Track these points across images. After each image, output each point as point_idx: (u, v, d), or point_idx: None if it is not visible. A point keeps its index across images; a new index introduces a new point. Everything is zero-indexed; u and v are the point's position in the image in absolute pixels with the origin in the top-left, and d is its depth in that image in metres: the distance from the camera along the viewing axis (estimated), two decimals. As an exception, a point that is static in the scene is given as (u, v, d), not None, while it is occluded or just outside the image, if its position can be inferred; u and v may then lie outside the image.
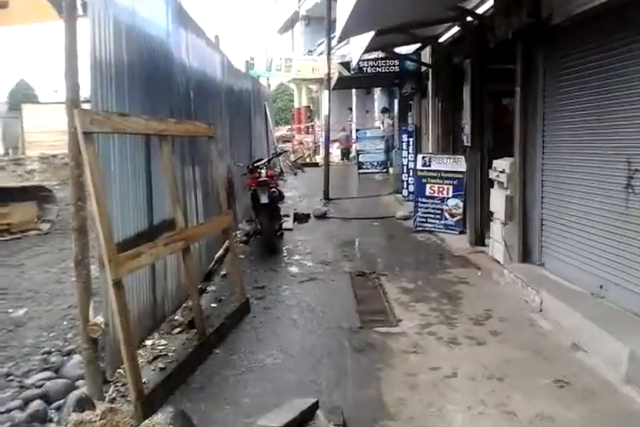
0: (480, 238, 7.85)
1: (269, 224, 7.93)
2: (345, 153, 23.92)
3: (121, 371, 3.76)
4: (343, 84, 15.11)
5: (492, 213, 7.06)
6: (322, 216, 10.75)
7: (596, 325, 4.26)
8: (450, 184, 9.11)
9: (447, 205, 9.06)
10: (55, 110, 16.00)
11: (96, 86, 3.68)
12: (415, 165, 10.38)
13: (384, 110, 17.63)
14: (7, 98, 31.57)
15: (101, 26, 3.76)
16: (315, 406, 3.32)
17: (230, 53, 9.61)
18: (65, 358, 4.19)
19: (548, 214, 5.85)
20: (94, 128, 3.28)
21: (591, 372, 3.87)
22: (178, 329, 4.84)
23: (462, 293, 5.79)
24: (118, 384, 3.72)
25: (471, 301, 5.52)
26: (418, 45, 10.72)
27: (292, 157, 20.01)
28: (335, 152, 22.67)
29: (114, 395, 3.61)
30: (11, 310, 5.43)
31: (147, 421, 3.03)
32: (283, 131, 28.33)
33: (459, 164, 9.02)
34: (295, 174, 18.74)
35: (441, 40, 9.29)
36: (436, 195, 9.22)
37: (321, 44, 28.39)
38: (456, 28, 8.49)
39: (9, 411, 3.41)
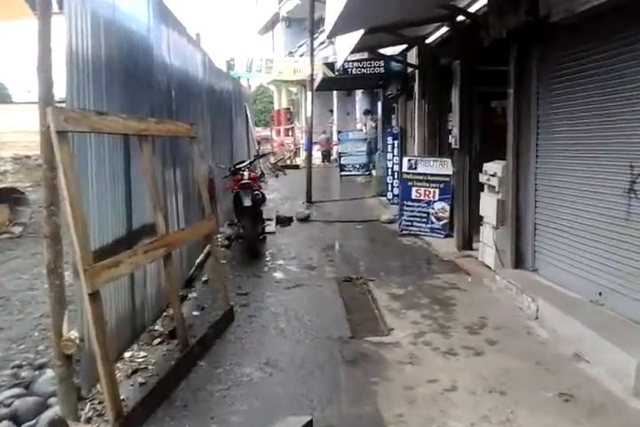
0: (468, 242, 7.70)
1: (252, 228, 7.69)
2: (326, 155, 23.75)
3: (98, 387, 3.49)
4: (326, 85, 14.93)
5: (481, 218, 6.91)
6: (305, 219, 10.52)
7: (598, 334, 4.09)
8: (436, 187, 8.95)
9: (433, 208, 8.91)
10: (29, 110, 15.47)
11: (72, 82, 3.42)
12: (401, 167, 10.22)
13: (366, 112, 17.48)
14: (-20, 97, 30.83)
15: (78, 18, 3.51)
16: (309, 425, 3.09)
17: (211, 53, 9.36)
18: (36, 372, 3.88)
19: (542, 219, 5.69)
20: (69, 127, 3.01)
21: (595, 384, 3.69)
22: (158, 340, 4.58)
23: (454, 299, 5.60)
24: (95, 402, 3.45)
25: (464, 308, 5.33)
26: (404, 46, 10.57)
27: (273, 159, 19.73)
28: (316, 154, 22.46)
29: (90, 414, 3.34)
30: (-21, 320, 5.12)
31: (126, 445, 2.78)
32: (263, 132, 28.03)
33: (445, 167, 8.87)
34: (276, 176, 18.48)
35: (428, 41, 9.13)
36: (422, 198, 9.06)
37: (302, 45, 28.24)
38: (444, 29, 8.33)
39: (-27, 434, 3.13)
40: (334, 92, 24.28)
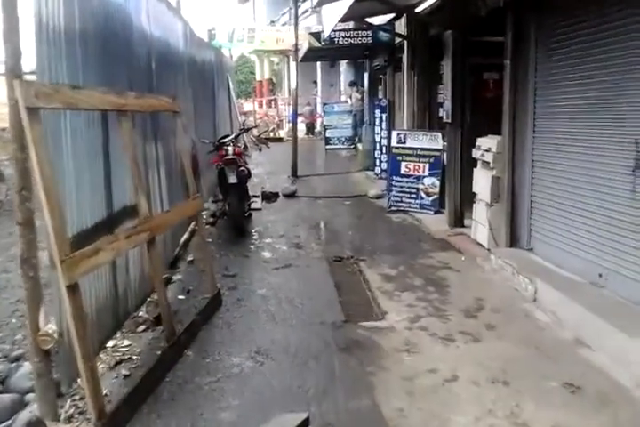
0: (459, 219, 7.53)
1: (238, 205, 7.44)
2: (310, 128, 23.38)
3: (79, 382, 3.28)
4: (311, 55, 14.51)
5: (473, 194, 6.72)
6: (291, 195, 10.28)
7: (600, 318, 3.95)
8: (426, 162, 8.75)
9: (423, 183, 8.71)
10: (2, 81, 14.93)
11: (42, 54, 3.11)
12: (389, 141, 9.98)
13: (352, 84, 17.08)
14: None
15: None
16: (306, 423, 2.91)
17: (192, 22, 8.94)
18: (13, 365, 3.66)
19: (539, 196, 5.51)
20: (40, 103, 2.72)
21: (600, 373, 3.55)
22: (143, 327, 4.37)
23: (448, 280, 5.44)
24: (76, 398, 3.24)
25: (459, 289, 5.18)
26: (392, 16, 10.19)
27: (256, 132, 19.32)
28: (300, 127, 22.08)
29: (71, 411, 3.13)
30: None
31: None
32: (246, 104, 27.47)
33: (435, 141, 8.66)
34: (260, 150, 18.13)
35: (418, 10, 8.79)
36: (411, 173, 8.86)
37: (284, 14, 27.51)
38: (435, -3, 8.00)
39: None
40: (318, 64, 23.77)
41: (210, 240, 7.10)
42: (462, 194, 7.43)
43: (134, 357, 3.86)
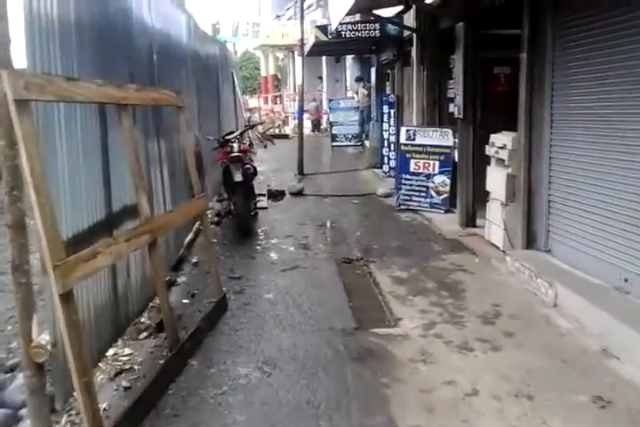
0: (472, 219, 7.30)
1: (244, 204, 7.23)
2: (315, 124, 23.11)
3: (75, 395, 3.07)
4: (317, 50, 14.25)
5: (486, 193, 6.49)
6: (298, 193, 10.06)
7: (627, 326, 3.72)
8: (436, 159, 8.50)
9: (433, 181, 8.47)
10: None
11: (34, 42, 2.90)
12: (397, 138, 9.75)
13: (358, 79, 16.81)
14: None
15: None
16: (317, 443, 2.71)
17: (195, 15, 8.72)
18: (8, 375, 3.46)
19: (557, 195, 5.27)
20: (31, 95, 2.50)
21: (631, 386, 3.32)
22: (145, 333, 4.16)
23: (463, 283, 5.22)
24: (72, 413, 3.04)
25: (474, 293, 4.95)
26: (400, 8, 9.91)
27: (261, 129, 19.09)
28: (305, 123, 21.85)
29: (67, 427, 2.94)
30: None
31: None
32: (250, 101, 27.23)
33: (446, 137, 8.42)
34: (265, 147, 17.89)
35: (428, 1, 8.53)
36: (421, 171, 8.62)
37: (289, 8, 27.25)
38: (446, -11, 7.75)
39: None
40: (323, 59, 23.48)
41: (215, 241, 6.89)
42: (474, 192, 7.21)
43: (135, 367, 3.66)
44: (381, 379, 3.46)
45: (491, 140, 6.27)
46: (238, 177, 7.08)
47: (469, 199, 7.28)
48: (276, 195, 9.79)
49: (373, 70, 14.36)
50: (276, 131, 21.93)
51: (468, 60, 7.13)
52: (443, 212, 8.23)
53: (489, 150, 6.28)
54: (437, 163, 8.48)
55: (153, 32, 5.46)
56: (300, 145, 12.33)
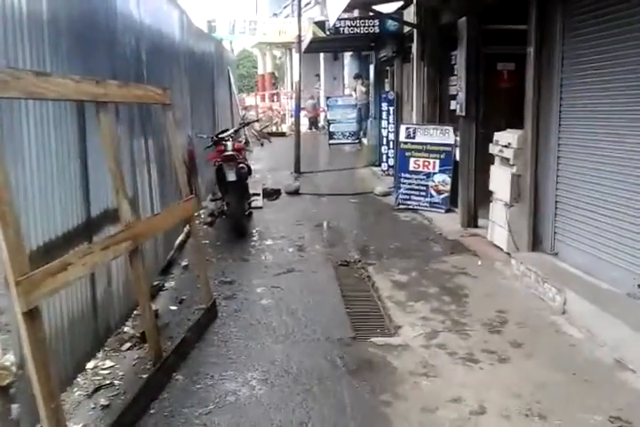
0: (473, 219, 7.07)
1: (237, 204, 6.98)
2: (313, 122, 22.85)
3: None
4: (314, 47, 13.97)
5: (489, 192, 6.25)
6: (294, 192, 9.80)
7: (643, 336, 3.49)
8: (436, 158, 8.27)
9: (433, 180, 8.24)
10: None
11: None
12: (397, 136, 9.51)
13: (357, 76, 16.51)
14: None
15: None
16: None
17: (189, 12, 8.46)
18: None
19: (565, 196, 5.02)
20: (-9, 91, 2.26)
21: (650, 403, 3.09)
22: (128, 344, 3.91)
23: (465, 288, 4.97)
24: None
25: (478, 299, 4.71)
26: (400, 4, 9.66)
27: (258, 126, 18.80)
28: (303, 121, 21.59)
29: (36, 454, 2.68)
30: None
31: None
32: (247, 99, 26.96)
33: (447, 135, 8.18)
34: (262, 145, 17.61)
35: (429, -4, 8.29)
36: (420, 169, 8.39)
37: (287, 6, 26.98)
38: (447, -18, 7.50)
39: None
40: (321, 57, 23.20)
41: (207, 242, 6.66)
42: (476, 192, 6.98)
43: (116, 382, 3.40)
44: (381, 396, 3.21)
45: (495, 138, 6.03)
46: (232, 177, 6.83)
47: (471, 199, 7.04)
48: (271, 194, 9.54)
49: (372, 67, 14.11)
50: (273, 129, 21.64)
51: (470, 56, 6.90)
52: (443, 211, 7.99)
53: (493, 149, 6.04)
54: (438, 161, 8.25)
55: (141, 28, 5.20)
56: (296, 143, 12.08)
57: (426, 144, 8.34)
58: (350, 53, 18.91)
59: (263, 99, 27.54)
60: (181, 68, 7.39)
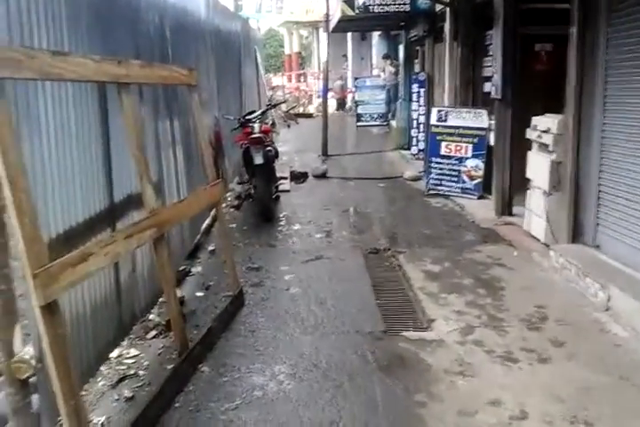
0: (508, 207, 6.81)
1: (265, 188, 6.83)
2: (340, 103, 22.53)
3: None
4: (342, 26, 13.65)
5: (525, 179, 5.99)
6: (321, 175, 9.61)
7: (696, 338, 3.27)
8: (469, 142, 7.98)
9: (466, 165, 7.96)
10: None
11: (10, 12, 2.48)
12: (428, 119, 9.23)
13: (386, 57, 16.13)
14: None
15: None
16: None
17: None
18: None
19: (609, 185, 4.75)
20: (4, 72, 2.10)
21: None
22: (153, 332, 3.82)
23: (501, 280, 4.76)
24: (65, 431, 2.69)
25: (515, 292, 4.50)
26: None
27: (285, 107, 18.60)
28: (330, 102, 21.28)
29: (58, 448, 2.59)
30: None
31: None
32: (275, 79, 26.68)
33: (480, 119, 7.88)
34: (289, 126, 17.42)
35: (465, -28, 7.94)
36: (452, 154, 8.12)
37: (315, -16, 26.42)
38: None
39: None
40: (349, 37, 22.78)
41: (234, 226, 6.55)
42: (511, 178, 6.71)
43: (140, 372, 3.31)
44: (415, 395, 3.05)
45: (533, 122, 5.75)
46: (259, 160, 6.67)
47: (506, 185, 6.77)
48: (298, 177, 9.37)
49: (402, 47, 13.74)
50: (300, 109, 21.39)
51: (507, 36, 6.57)
52: (475, 198, 7.74)
53: (530, 134, 5.77)
54: (470, 146, 7.96)
55: (165, 5, 5.02)
56: (324, 125, 11.85)
57: (458, 128, 8.06)
58: (378, 33, 18.50)
59: (290, 79, 27.25)
60: (207, 48, 7.20)
